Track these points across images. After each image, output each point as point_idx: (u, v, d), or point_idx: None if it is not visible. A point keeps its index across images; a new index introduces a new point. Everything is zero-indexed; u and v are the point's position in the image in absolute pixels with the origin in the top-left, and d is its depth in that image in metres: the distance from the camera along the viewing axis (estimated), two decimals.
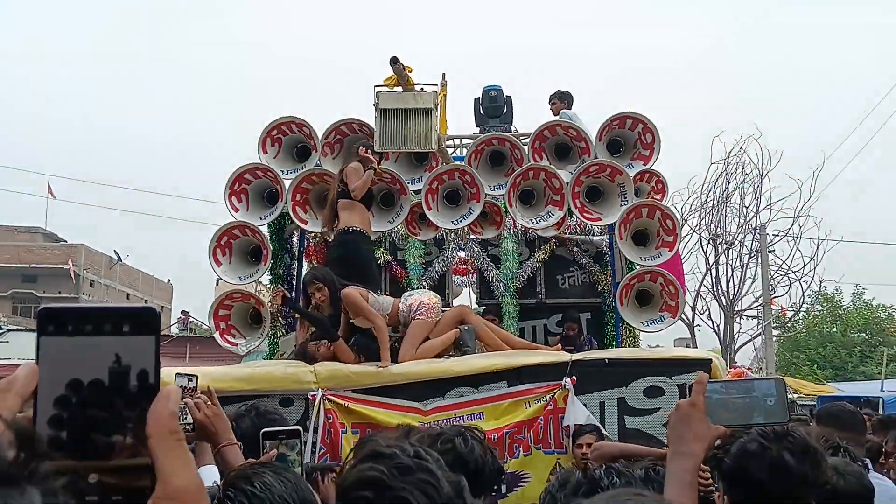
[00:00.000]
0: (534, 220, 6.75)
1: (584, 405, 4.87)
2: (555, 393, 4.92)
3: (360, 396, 4.99)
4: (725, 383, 2.04)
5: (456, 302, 9.72)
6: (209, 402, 2.65)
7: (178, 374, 4.28)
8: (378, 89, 5.60)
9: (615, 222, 6.49)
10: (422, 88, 5.60)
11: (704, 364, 5.01)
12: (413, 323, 5.51)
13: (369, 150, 6.03)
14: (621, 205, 6.53)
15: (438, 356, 5.33)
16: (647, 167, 6.92)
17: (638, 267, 6.73)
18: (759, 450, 1.97)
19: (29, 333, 21.44)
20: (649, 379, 4.98)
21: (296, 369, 5.16)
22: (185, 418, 2.66)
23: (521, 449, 4.84)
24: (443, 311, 5.89)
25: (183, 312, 31.98)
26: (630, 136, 6.99)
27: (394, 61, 5.17)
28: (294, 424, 3.13)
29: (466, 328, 5.48)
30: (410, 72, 5.36)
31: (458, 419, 4.80)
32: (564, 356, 5.18)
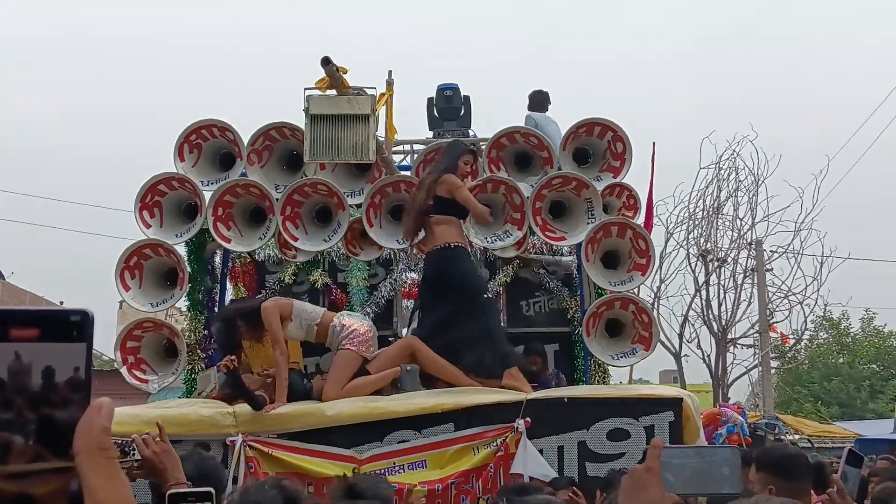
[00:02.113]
0: (490, 239, 6.92)
1: (541, 451, 5.03)
2: (506, 437, 5.07)
3: (286, 443, 5.09)
4: (685, 449, 2.30)
5: (406, 333, 9.84)
6: (158, 439, 2.85)
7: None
8: (308, 93, 5.73)
9: (581, 242, 6.68)
10: (358, 92, 5.74)
11: (674, 403, 5.22)
12: (339, 354, 5.64)
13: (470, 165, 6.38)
14: (588, 222, 6.74)
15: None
16: (618, 180, 7.13)
17: (608, 293, 6.94)
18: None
19: None
20: (613, 420, 5.15)
21: (212, 411, 5.25)
22: (133, 454, 2.82)
23: (468, 501, 4.97)
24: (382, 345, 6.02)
25: None
26: (599, 145, 7.20)
27: (325, 62, 5.29)
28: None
29: (409, 369, 5.62)
30: (345, 73, 5.50)
31: (398, 468, 4.93)
32: (518, 395, 5.34)
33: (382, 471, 4.84)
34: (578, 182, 6.77)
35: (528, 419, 5.10)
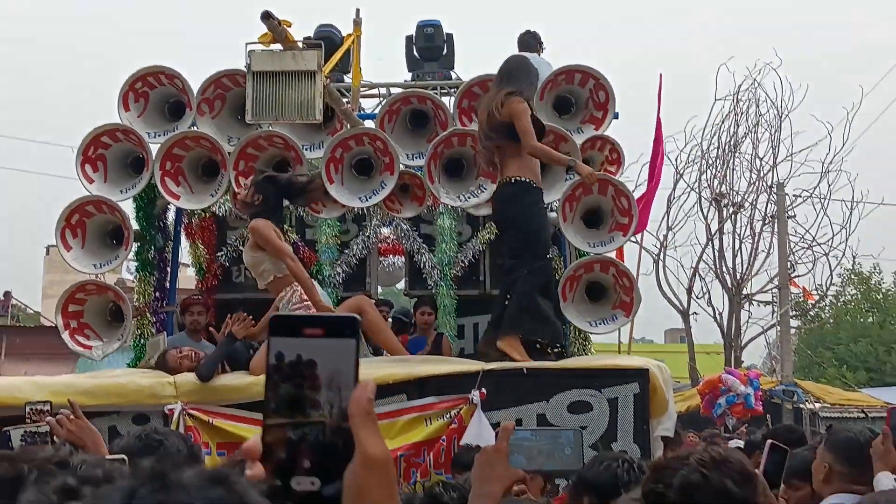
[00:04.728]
0: (462, 197, 7.02)
1: (497, 424, 5.19)
2: (461, 408, 5.27)
3: (227, 411, 5.28)
4: (536, 431, 2.62)
5: (382, 293, 9.96)
6: (72, 416, 3.10)
7: (28, 403, 4.54)
8: (251, 48, 5.80)
9: (558, 200, 6.77)
10: (302, 46, 5.80)
11: (640, 374, 5.38)
12: None
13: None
14: (566, 179, 6.84)
15: None
16: (600, 132, 7.23)
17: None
18: (702, 480, 2.31)
19: None
20: (575, 392, 5.33)
21: (151, 381, 5.45)
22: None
23: (418, 474, 5.18)
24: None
25: (5, 294, 31.61)
26: (580, 93, 7.28)
27: (266, 16, 5.36)
28: None
29: None
30: (289, 26, 5.57)
31: None
32: (475, 365, 5.50)
33: None
34: (556, 134, 6.84)
35: (483, 390, 5.28)
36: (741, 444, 9.30)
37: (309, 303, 5.86)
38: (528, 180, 6.14)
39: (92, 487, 0.78)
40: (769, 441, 3.10)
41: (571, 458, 2.27)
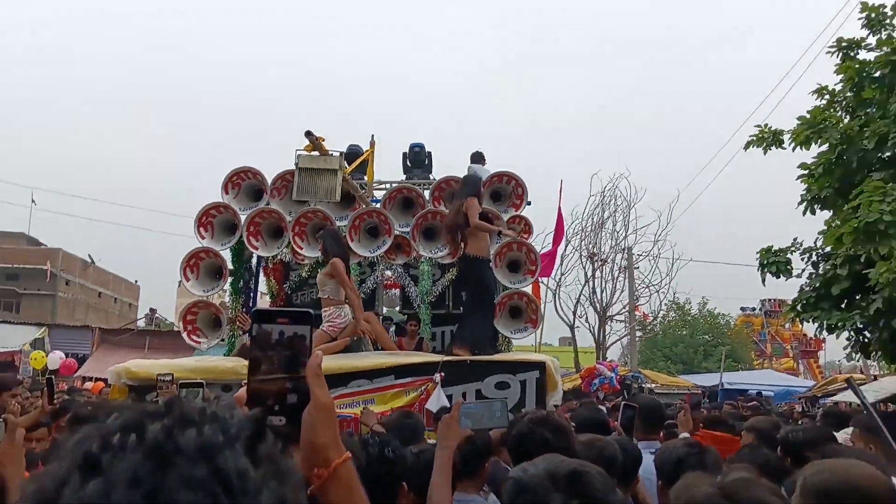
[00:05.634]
0: (433, 251, 6.96)
1: (451, 395, 5.08)
2: (427, 385, 5.14)
3: None
4: (480, 402, 2.50)
5: (386, 311, 9.82)
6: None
7: (159, 375, 4.34)
8: (298, 152, 5.80)
9: (492, 254, 6.72)
10: (331, 153, 5.79)
11: (540, 365, 5.29)
12: (316, 332, 5.63)
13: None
14: (497, 242, 6.81)
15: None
16: (518, 213, 7.21)
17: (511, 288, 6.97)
18: (528, 432, 2.21)
19: (10, 326, 19.83)
20: (499, 376, 5.24)
21: (234, 363, 5.29)
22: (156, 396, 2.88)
23: None
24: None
25: (151, 310, 31.43)
26: (506, 188, 7.30)
27: (307, 134, 5.37)
28: None
29: (356, 338, 5.65)
30: (323, 140, 5.57)
31: (355, 403, 4.98)
32: (437, 357, 5.39)
33: (345, 405, 4.88)
34: (493, 213, 6.82)
35: (442, 374, 5.16)
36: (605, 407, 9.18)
37: (337, 320, 5.73)
38: (482, 257, 6.18)
39: (111, 456, 0.52)
40: (623, 402, 3.02)
41: (500, 418, 2.20)
